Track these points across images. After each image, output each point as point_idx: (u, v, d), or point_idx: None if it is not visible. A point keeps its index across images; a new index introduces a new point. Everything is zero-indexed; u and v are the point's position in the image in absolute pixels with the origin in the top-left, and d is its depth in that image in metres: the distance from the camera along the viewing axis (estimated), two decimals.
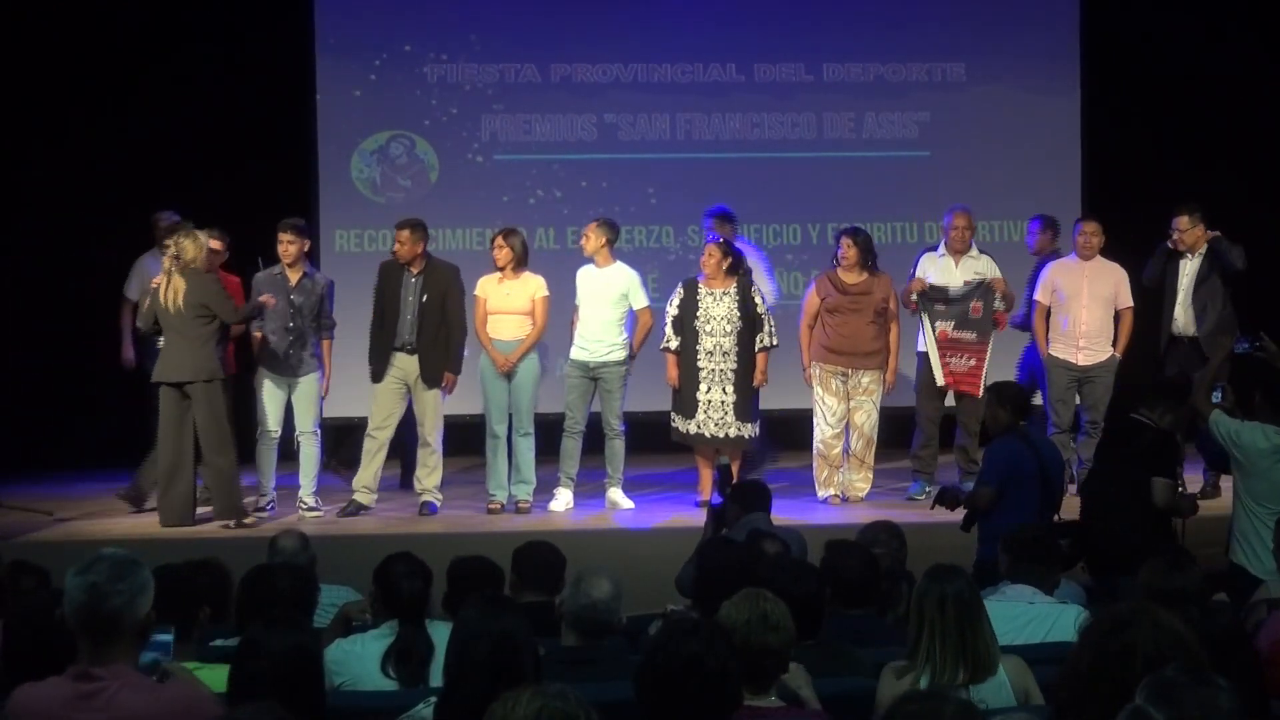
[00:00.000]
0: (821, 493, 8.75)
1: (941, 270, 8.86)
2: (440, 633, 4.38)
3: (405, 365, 8.51)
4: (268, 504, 8.52)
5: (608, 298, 8.66)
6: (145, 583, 3.42)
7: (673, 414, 8.75)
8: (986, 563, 5.99)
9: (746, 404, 8.63)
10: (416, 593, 4.61)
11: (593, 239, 8.69)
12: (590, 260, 8.77)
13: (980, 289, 8.80)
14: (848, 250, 8.73)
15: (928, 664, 4.04)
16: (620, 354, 8.69)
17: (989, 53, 11.16)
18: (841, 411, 8.73)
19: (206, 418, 8.05)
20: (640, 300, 8.74)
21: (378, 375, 8.54)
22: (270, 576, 4.88)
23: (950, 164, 11.06)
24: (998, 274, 8.91)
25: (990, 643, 4.12)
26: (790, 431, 9.68)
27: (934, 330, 8.77)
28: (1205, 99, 11.03)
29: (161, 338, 8.23)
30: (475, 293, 8.69)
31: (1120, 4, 11.11)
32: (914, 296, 8.80)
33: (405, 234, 8.50)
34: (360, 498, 8.55)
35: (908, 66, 11.11)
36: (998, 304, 8.81)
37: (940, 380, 8.76)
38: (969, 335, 8.74)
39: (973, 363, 8.73)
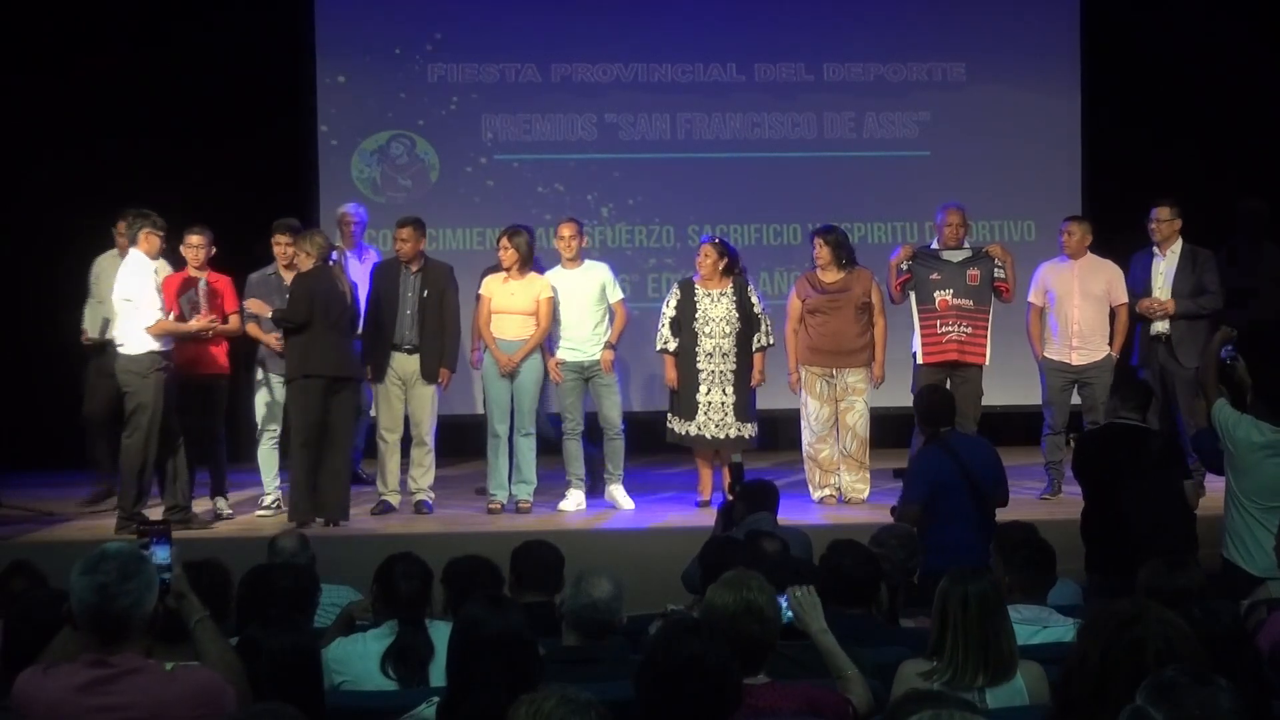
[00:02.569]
0: (815, 494, 8.71)
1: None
2: (440, 632, 4.38)
3: (403, 364, 8.50)
4: (272, 503, 8.52)
5: (590, 295, 8.65)
6: (151, 579, 3.45)
7: (670, 415, 8.72)
8: (930, 575, 5.67)
9: (745, 404, 8.61)
10: (415, 593, 4.61)
11: (576, 239, 8.69)
12: (557, 263, 8.78)
13: (978, 256, 8.75)
14: (820, 250, 8.66)
15: (950, 665, 4.03)
16: (613, 351, 8.69)
17: (989, 52, 11.18)
18: (825, 415, 8.66)
19: (345, 414, 8.15)
20: (616, 294, 8.77)
21: (379, 374, 8.53)
22: (270, 577, 4.88)
23: (950, 164, 11.06)
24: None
25: (1010, 645, 4.10)
26: (788, 431, 9.64)
27: (934, 300, 8.66)
28: (1206, 98, 11.02)
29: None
30: (479, 292, 8.68)
31: (1120, 3, 11.11)
32: (905, 265, 8.71)
33: (407, 231, 8.50)
34: (389, 498, 8.56)
35: (908, 66, 11.13)
36: (998, 273, 8.73)
37: (921, 359, 8.69)
38: (967, 303, 8.65)
39: (969, 330, 8.63)
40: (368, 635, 4.60)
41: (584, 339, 8.63)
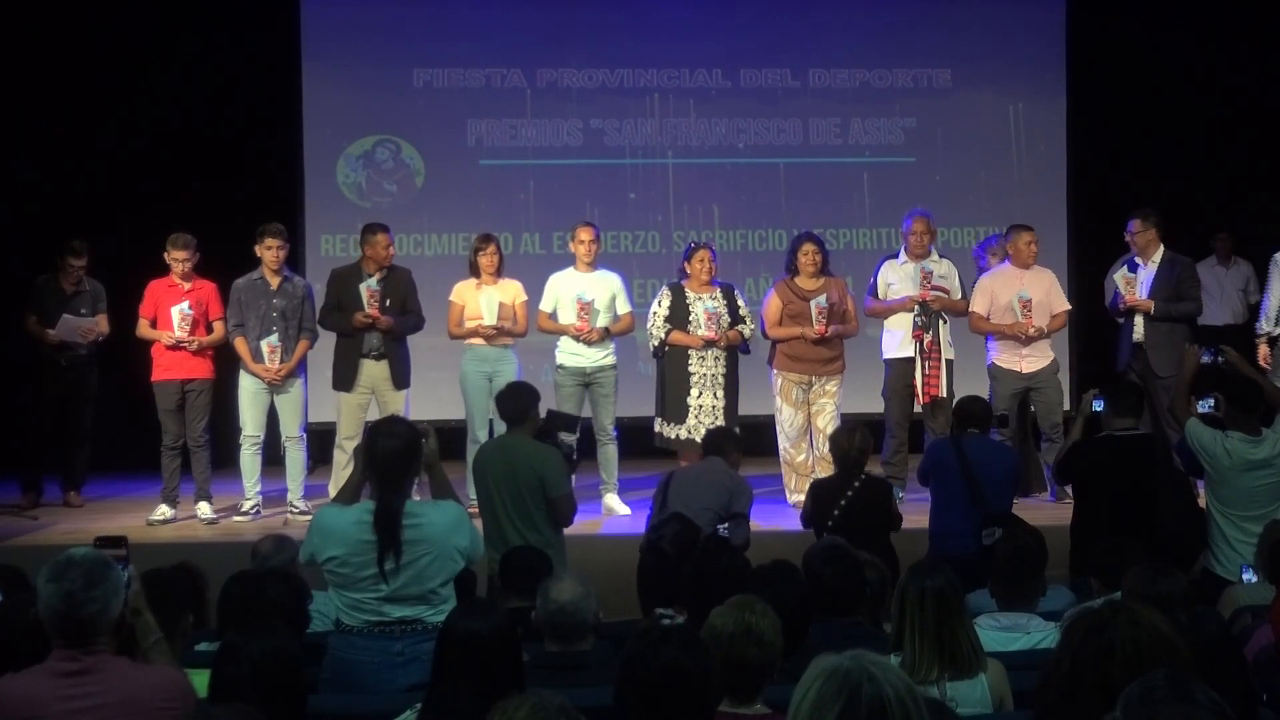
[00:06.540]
0: (791, 499, 8.64)
1: (903, 276, 8.80)
2: (426, 510, 4.54)
3: (372, 372, 8.47)
4: (252, 508, 8.48)
5: (599, 303, 8.60)
6: (118, 585, 3.47)
7: (658, 419, 8.67)
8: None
9: (734, 408, 8.57)
10: (391, 451, 4.59)
11: (595, 244, 8.65)
12: (569, 265, 8.74)
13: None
14: (815, 258, 8.62)
15: (909, 659, 4.10)
16: (613, 359, 8.66)
17: (975, 59, 11.19)
18: (799, 421, 8.62)
19: None
20: (625, 306, 8.74)
21: (347, 383, 8.49)
22: (254, 583, 4.84)
23: (936, 170, 11.08)
24: (956, 280, 8.87)
25: (971, 641, 4.18)
26: (765, 437, 9.60)
27: (924, 340, 8.65)
28: (1190, 106, 11.04)
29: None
30: (451, 298, 8.64)
31: (1106, 11, 11.13)
32: (918, 313, 8.69)
33: (385, 237, 8.48)
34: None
35: (894, 72, 11.14)
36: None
37: (923, 398, 8.68)
38: (929, 337, 8.70)
39: (934, 362, 8.69)
40: (356, 506, 4.65)
41: (588, 344, 8.57)
